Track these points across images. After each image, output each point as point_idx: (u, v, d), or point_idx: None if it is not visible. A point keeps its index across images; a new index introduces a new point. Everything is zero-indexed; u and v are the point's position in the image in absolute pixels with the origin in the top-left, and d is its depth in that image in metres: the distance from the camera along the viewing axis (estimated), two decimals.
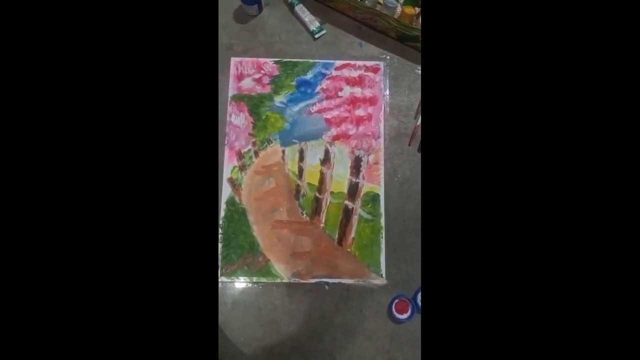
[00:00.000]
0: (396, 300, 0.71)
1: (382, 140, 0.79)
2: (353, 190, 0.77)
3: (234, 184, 0.77)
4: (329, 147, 0.79)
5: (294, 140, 0.79)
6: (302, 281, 0.73)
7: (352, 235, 0.75)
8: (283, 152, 0.79)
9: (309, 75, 0.82)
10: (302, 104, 0.81)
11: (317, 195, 0.76)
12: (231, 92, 0.81)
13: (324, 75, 0.82)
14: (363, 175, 0.77)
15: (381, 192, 0.77)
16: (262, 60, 0.83)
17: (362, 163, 0.78)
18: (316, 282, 0.73)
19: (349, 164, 0.78)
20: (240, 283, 0.73)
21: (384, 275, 0.73)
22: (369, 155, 0.78)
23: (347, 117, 0.80)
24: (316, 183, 0.77)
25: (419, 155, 0.79)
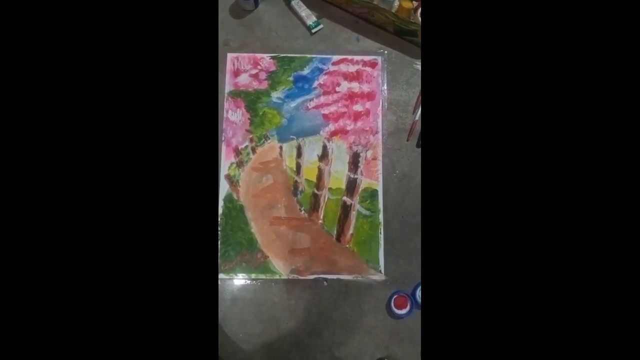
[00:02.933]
0: (395, 296, 0.71)
1: (380, 135, 0.79)
2: (351, 186, 0.77)
3: (232, 181, 0.77)
4: (326, 142, 0.78)
5: (291, 137, 0.79)
6: (300, 277, 0.73)
7: (351, 231, 0.75)
8: (280, 148, 0.78)
9: (306, 71, 0.82)
10: (299, 100, 0.80)
11: (315, 191, 0.76)
12: (228, 88, 0.81)
13: (321, 70, 0.82)
14: (361, 171, 0.77)
15: (379, 188, 0.76)
16: (258, 55, 0.83)
17: (360, 159, 0.78)
18: (315, 279, 0.73)
19: (347, 160, 0.78)
20: (239, 280, 0.73)
21: (382, 271, 0.73)
22: (367, 150, 0.78)
23: (345, 113, 0.80)
24: (314, 179, 0.77)
25: (418, 150, 0.79)
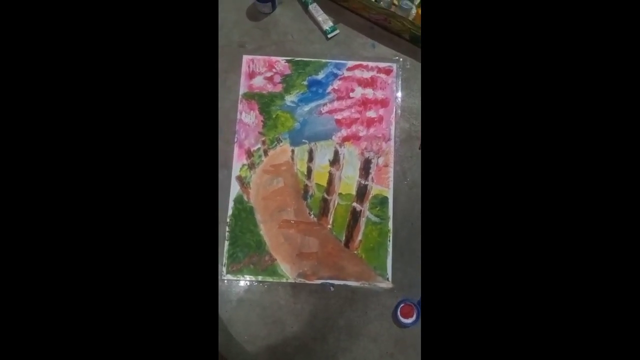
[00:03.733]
0: (402, 305, 0.70)
1: (392, 142, 0.79)
2: (362, 192, 0.76)
3: (243, 182, 0.77)
4: (338, 148, 0.78)
5: (303, 140, 0.79)
6: (307, 282, 0.73)
7: (360, 237, 0.74)
8: (292, 151, 0.78)
9: (320, 75, 0.82)
10: (312, 104, 0.81)
11: (325, 196, 0.76)
12: (242, 89, 0.81)
13: (335, 75, 0.82)
14: (372, 178, 0.77)
15: (390, 195, 0.76)
16: (273, 58, 0.83)
17: (371, 165, 0.78)
18: (322, 283, 0.73)
19: (359, 166, 0.78)
20: (246, 281, 0.73)
21: (390, 279, 0.73)
22: (378, 157, 0.78)
23: (358, 119, 0.80)
24: (324, 184, 0.77)
25: None
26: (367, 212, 0.76)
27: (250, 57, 0.83)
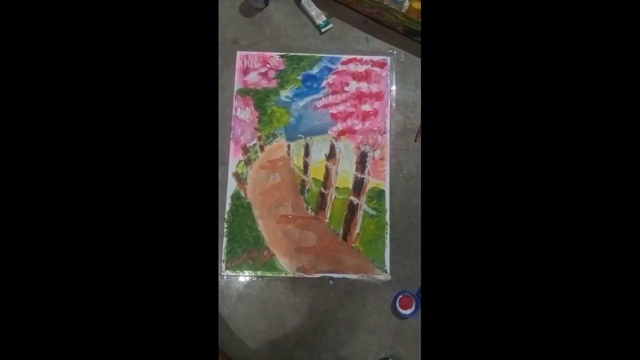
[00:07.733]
0: (400, 296, 0.71)
1: (387, 136, 0.79)
2: (358, 185, 0.77)
3: (240, 178, 0.77)
4: (334, 142, 0.79)
5: (299, 135, 0.79)
6: (306, 276, 0.73)
7: (357, 230, 0.75)
8: (288, 146, 0.78)
9: (315, 70, 0.82)
10: (307, 99, 0.81)
11: (322, 190, 0.76)
12: (237, 86, 0.81)
13: (330, 69, 0.82)
14: (368, 171, 0.77)
15: (386, 188, 0.77)
16: (268, 54, 0.83)
17: (367, 159, 0.78)
18: (320, 277, 0.73)
19: (355, 160, 0.78)
20: (245, 277, 0.74)
21: (388, 271, 0.73)
22: (374, 150, 0.78)
23: (353, 112, 0.80)
24: (321, 178, 0.77)
25: None
26: (364, 206, 0.76)
27: (245, 53, 0.83)
